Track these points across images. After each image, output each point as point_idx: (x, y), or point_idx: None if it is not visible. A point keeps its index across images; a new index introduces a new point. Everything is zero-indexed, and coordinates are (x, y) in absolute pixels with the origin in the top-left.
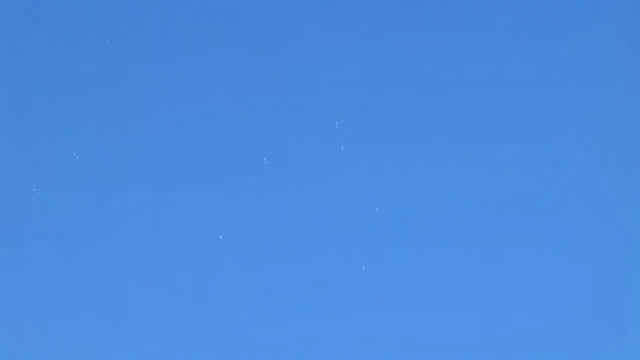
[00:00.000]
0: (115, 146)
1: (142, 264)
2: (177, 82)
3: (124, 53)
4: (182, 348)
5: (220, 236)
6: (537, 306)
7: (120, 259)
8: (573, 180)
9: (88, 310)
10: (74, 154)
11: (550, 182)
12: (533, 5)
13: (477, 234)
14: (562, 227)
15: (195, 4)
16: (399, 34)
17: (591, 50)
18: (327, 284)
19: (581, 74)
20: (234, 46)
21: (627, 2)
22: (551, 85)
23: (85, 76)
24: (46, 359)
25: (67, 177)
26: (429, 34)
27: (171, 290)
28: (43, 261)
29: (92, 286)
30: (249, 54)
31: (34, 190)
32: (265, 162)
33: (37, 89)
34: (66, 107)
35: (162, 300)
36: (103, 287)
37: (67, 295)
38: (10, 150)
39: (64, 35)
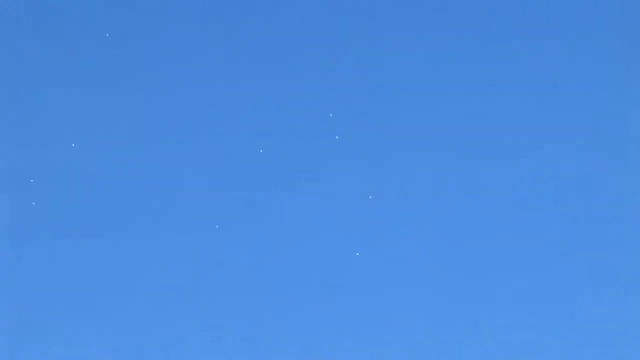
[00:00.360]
0: (113, 144)
1: (139, 261)
2: (174, 80)
3: (123, 54)
4: (181, 344)
5: (217, 226)
6: (534, 302)
7: (118, 257)
8: (572, 180)
9: (86, 309)
10: (73, 144)
11: (548, 182)
12: (533, 5)
13: (474, 230)
14: (559, 226)
15: (192, 6)
16: (397, 33)
17: (591, 51)
18: (323, 277)
19: (581, 74)
20: (232, 46)
21: (627, 2)
22: (550, 86)
23: (85, 76)
24: (45, 357)
25: (66, 176)
26: (426, 32)
27: (170, 286)
28: (41, 258)
29: (90, 284)
30: (247, 54)
31: (32, 181)
32: (261, 152)
33: (36, 89)
34: (65, 106)
35: (160, 298)
36: (100, 285)
37: (64, 292)
38: (10, 150)
39: (63, 35)
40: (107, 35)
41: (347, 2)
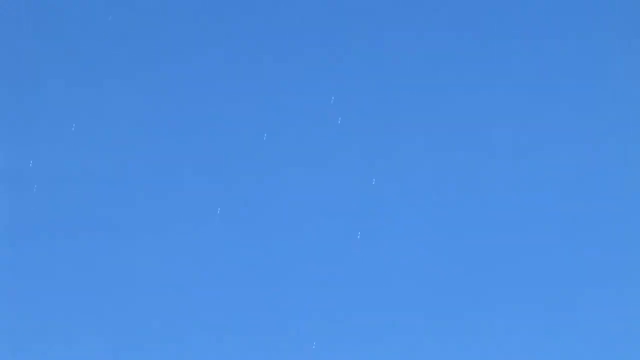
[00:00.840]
0: (112, 144)
1: (139, 261)
2: (174, 80)
3: (124, 54)
4: (182, 343)
5: (218, 209)
6: (534, 301)
7: (117, 258)
8: (572, 180)
9: (86, 309)
10: (72, 143)
11: (548, 182)
12: (533, 5)
13: (474, 229)
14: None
15: (192, 6)
16: (397, 33)
17: (591, 51)
18: (322, 274)
19: (581, 75)
20: (233, 46)
21: (627, 2)
22: (550, 86)
23: (85, 76)
24: (45, 357)
25: (66, 176)
26: (425, 32)
27: (170, 286)
28: (41, 258)
29: (90, 284)
30: (247, 54)
31: (31, 167)
32: (265, 138)
33: (37, 89)
34: (65, 106)
35: (160, 297)
36: (100, 285)
37: (64, 292)
38: (10, 150)
39: (63, 35)
40: (110, 18)
41: (346, 3)
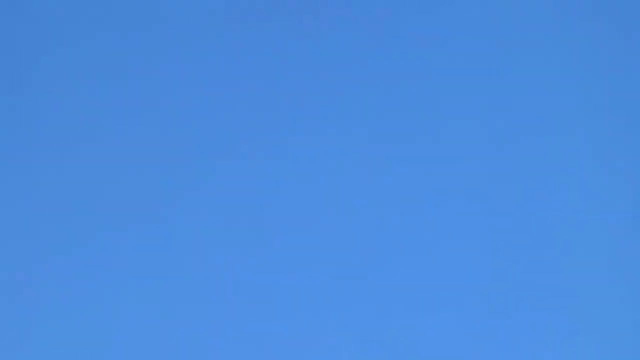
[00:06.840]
0: (113, 143)
1: (140, 262)
2: (174, 80)
3: (124, 53)
4: (182, 344)
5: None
6: (534, 301)
7: (118, 258)
8: (574, 185)
9: (86, 309)
10: (73, 140)
11: (550, 185)
12: (533, 5)
13: (474, 228)
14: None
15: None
16: (402, 33)
17: (591, 50)
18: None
19: (581, 75)
20: (233, 47)
21: (627, 2)
22: (551, 86)
23: (85, 75)
24: (45, 356)
25: (66, 175)
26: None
27: (171, 287)
28: (41, 258)
29: (90, 284)
30: (248, 55)
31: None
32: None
33: (36, 88)
34: (64, 106)
35: (161, 298)
36: (101, 286)
37: (64, 292)
38: (10, 150)
39: (65, 33)
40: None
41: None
